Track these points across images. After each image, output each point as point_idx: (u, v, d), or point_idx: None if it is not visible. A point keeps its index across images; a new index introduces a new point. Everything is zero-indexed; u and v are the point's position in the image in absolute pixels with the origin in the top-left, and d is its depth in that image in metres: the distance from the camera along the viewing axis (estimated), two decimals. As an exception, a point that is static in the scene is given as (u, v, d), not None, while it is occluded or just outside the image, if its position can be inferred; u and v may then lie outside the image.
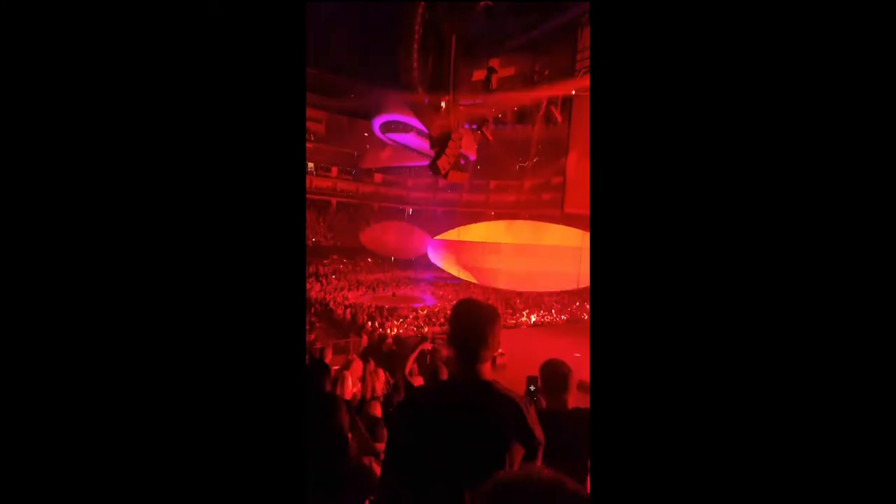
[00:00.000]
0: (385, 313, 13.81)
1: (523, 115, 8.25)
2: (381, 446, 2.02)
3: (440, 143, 7.53)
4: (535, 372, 1.88)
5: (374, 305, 14.85)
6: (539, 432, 1.10)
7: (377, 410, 2.70)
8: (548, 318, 16.34)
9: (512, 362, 7.91)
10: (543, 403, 1.80)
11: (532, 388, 1.85)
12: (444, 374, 2.46)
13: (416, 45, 7.71)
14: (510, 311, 15.97)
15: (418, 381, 2.67)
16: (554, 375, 1.75)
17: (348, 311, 13.96)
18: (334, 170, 23.70)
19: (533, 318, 15.69)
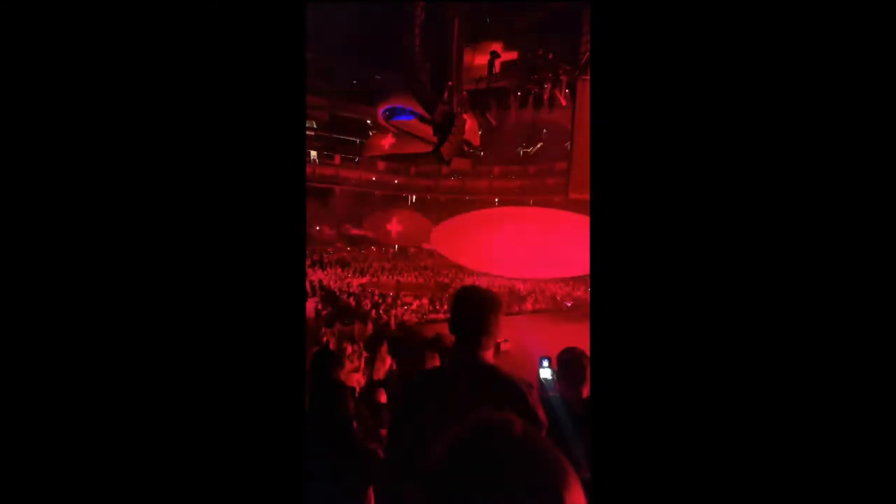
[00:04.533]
0: (389, 300, 13.88)
1: (527, 100, 8.15)
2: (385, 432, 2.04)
3: (443, 129, 7.46)
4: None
5: (377, 293, 14.91)
6: (542, 414, 1.11)
7: (382, 396, 2.72)
8: (551, 305, 16.37)
9: (516, 349, 7.94)
10: (557, 387, 1.80)
11: (546, 366, 1.84)
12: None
13: (418, 30, 7.60)
14: (513, 297, 15.99)
15: None
16: (571, 365, 1.72)
17: (352, 298, 14.03)
18: (337, 157, 23.61)
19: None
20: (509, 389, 1.11)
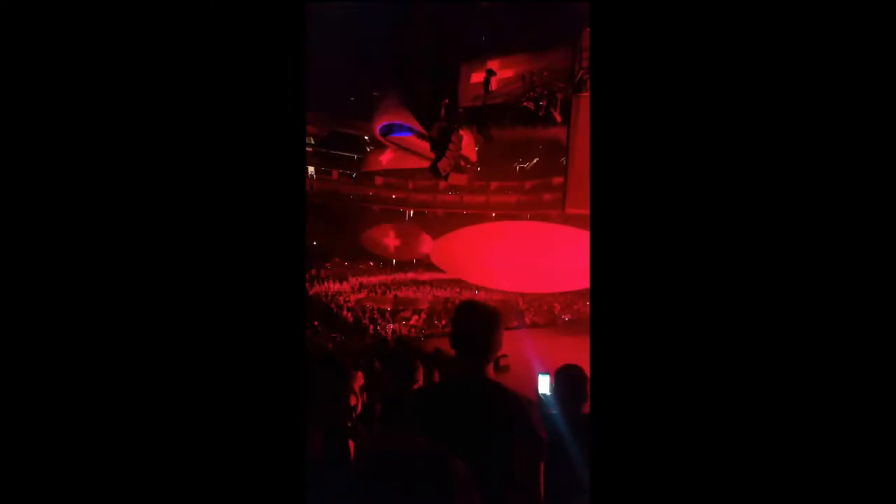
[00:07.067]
0: (387, 315, 13.81)
1: (523, 116, 8.24)
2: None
3: (440, 145, 7.54)
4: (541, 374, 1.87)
5: (376, 307, 14.85)
6: (543, 431, 1.10)
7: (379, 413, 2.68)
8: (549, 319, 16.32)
9: (515, 364, 7.88)
10: (556, 404, 1.78)
11: (545, 382, 1.82)
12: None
13: (415, 48, 7.72)
14: (511, 312, 15.93)
15: None
16: (570, 383, 1.70)
17: (350, 313, 13.96)
18: (335, 173, 23.74)
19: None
20: (510, 406, 1.11)
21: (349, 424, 1.62)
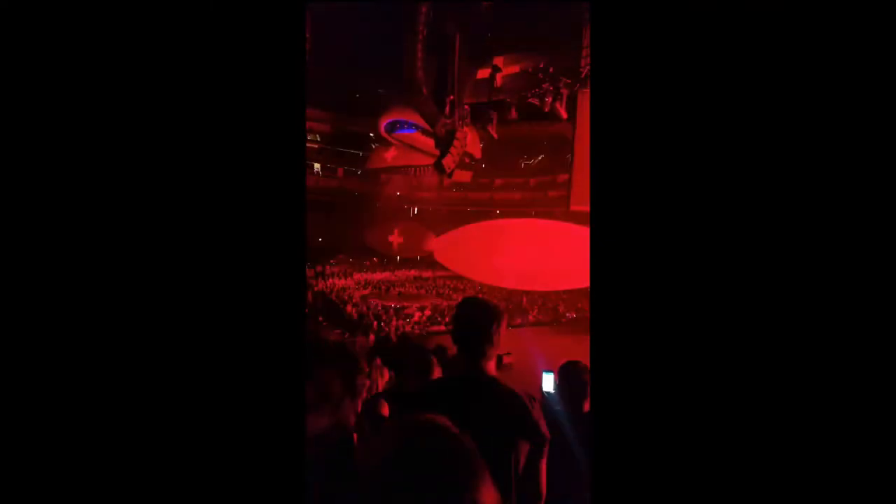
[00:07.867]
0: (391, 312, 13.86)
1: (528, 113, 8.23)
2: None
3: (445, 142, 7.54)
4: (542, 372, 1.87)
5: (380, 304, 14.91)
6: (544, 428, 1.11)
7: (384, 409, 2.69)
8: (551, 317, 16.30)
9: (518, 362, 7.88)
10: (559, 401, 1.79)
11: (549, 379, 1.83)
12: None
13: (420, 45, 7.71)
14: (515, 309, 15.93)
15: None
16: (573, 380, 1.71)
17: (354, 310, 14.01)
18: (340, 170, 23.80)
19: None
20: (511, 402, 1.11)
21: (353, 421, 1.62)
